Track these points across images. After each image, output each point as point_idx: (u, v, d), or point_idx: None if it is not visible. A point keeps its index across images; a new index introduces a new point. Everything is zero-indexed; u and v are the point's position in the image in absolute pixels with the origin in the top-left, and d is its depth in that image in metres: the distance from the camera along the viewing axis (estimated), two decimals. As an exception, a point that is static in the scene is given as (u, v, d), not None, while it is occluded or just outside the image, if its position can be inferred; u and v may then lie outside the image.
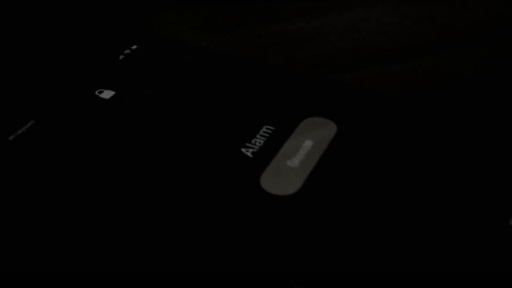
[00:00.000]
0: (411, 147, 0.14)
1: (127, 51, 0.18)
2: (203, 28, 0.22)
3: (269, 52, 0.21)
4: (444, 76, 0.19)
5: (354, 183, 0.13)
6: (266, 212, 0.12)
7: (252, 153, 0.14)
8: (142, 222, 0.12)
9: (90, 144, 0.14)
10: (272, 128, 0.15)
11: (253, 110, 0.15)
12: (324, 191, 0.13)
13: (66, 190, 0.13)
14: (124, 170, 0.14)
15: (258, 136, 0.14)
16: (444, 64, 0.20)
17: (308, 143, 0.14)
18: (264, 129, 0.15)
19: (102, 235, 0.12)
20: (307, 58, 0.20)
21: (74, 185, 0.13)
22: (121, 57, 0.18)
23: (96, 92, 0.16)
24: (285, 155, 0.14)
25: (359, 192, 0.13)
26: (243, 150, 0.14)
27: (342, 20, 0.22)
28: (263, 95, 0.16)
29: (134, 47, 0.18)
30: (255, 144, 0.14)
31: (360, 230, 0.12)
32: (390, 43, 0.21)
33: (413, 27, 0.22)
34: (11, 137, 0.14)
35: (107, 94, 0.16)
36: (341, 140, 0.14)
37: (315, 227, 0.12)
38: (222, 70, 0.17)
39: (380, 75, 0.19)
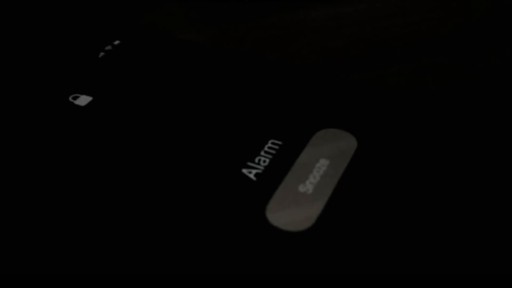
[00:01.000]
0: (448, 161, 0.12)
1: (108, 48, 0.16)
2: (196, 19, 0.20)
3: (270, 47, 0.18)
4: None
5: (384, 214, 0.11)
6: (273, 252, 0.10)
7: (256, 175, 0.11)
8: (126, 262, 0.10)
9: (61, 161, 0.12)
10: (279, 143, 0.12)
11: (255, 120, 0.13)
12: (346, 225, 0.10)
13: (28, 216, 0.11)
14: (100, 192, 0.11)
15: (262, 153, 0.12)
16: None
17: (323, 162, 0.12)
18: (269, 144, 0.12)
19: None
20: (313, 55, 0.18)
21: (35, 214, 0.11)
22: (101, 54, 0.16)
23: (70, 98, 0.14)
24: (296, 177, 0.11)
25: (391, 227, 0.10)
26: (244, 171, 0.12)
27: (353, 10, 0.20)
28: (267, 101, 0.13)
29: (116, 42, 0.16)
30: (259, 164, 0.12)
31: (391, 277, 0.10)
32: (409, 36, 0.19)
33: (432, 17, 0.19)
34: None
35: (83, 100, 0.14)
36: (363, 157, 0.12)
37: (335, 273, 0.10)
38: (218, 70, 0.15)
39: (400, 73, 0.17)
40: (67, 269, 0.10)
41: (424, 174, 0.11)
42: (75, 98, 0.14)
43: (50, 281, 0.10)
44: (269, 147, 0.12)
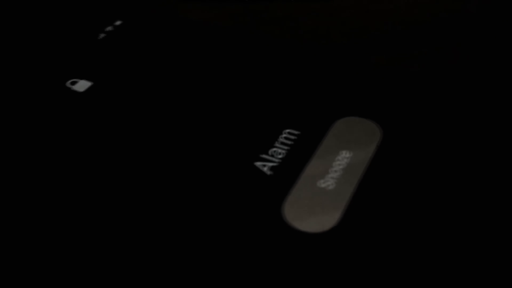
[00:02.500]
0: (482, 150, 0.10)
1: (109, 28, 0.15)
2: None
3: (281, 27, 0.17)
4: None
5: (415, 214, 0.09)
6: (291, 256, 0.09)
7: (271, 169, 0.10)
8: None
9: (57, 152, 0.11)
10: (296, 132, 0.11)
11: (269, 108, 0.12)
12: (372, 226, 0.09)
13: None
14: (97, 186, 0.10)
15: (277, 144, 0.11)
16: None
17: (345, 154, 0.11)
18: (285, 135, 0.11)
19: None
20: (328, 36, 0.17)
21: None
22: (101, 36, 0.15)
23: (68, 83, 0.13)
24: (315, 172, 0.10)
25: (423, 228, 0.09)
26: (257, 164, 0.11)
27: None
28: (282, 86, 0.12)
29: (118, 23, 0.15)
30: (273, 156, 0.11)
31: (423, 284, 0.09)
32: (430, 16, 0.17)
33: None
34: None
35: (82, 85, 0.13)
36: (389, 148, 0.11)
37: (359, 281, 0.09)
38: (228, 52, 0.14)
39: (423, 55, 0.16)
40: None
41: (458, 166, 0.10)
42: (73, 83, 0.13)
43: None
44: (284, 138, 0.11)
